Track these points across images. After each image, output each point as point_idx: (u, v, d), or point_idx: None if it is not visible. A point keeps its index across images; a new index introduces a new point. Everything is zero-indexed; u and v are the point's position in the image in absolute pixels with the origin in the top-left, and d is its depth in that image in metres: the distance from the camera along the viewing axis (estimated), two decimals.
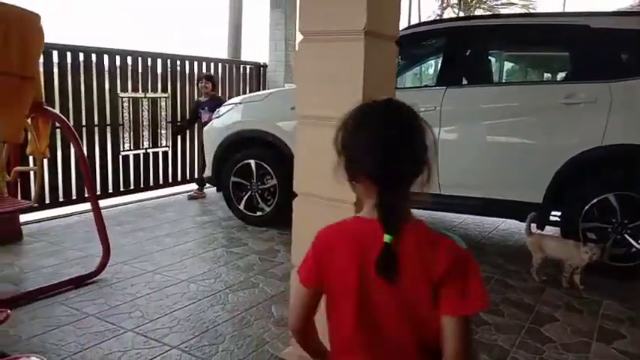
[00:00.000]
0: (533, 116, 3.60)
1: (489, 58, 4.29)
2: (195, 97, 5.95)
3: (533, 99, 3.66)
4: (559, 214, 3.65)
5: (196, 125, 5.76)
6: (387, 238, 0.99)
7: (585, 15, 3.58)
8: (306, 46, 2.11)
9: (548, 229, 3.70)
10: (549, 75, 5.34)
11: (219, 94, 5.85)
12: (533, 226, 3.48)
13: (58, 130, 4.34)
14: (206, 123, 5.08)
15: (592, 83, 3.41)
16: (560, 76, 4.48)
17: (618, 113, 3.30)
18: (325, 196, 2.09)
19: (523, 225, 3.59)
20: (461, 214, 4.91)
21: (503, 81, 5.21)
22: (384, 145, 1.02)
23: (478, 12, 19.65)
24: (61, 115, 3.54)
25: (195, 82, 5.79)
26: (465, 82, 3.98)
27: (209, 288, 3.07)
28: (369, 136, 1.05)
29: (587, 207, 3.42)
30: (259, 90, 6.84)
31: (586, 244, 3.17)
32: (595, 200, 3.40)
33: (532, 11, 17.00)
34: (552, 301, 3.07)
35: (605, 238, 3.42)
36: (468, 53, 4.07)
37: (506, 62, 5.56)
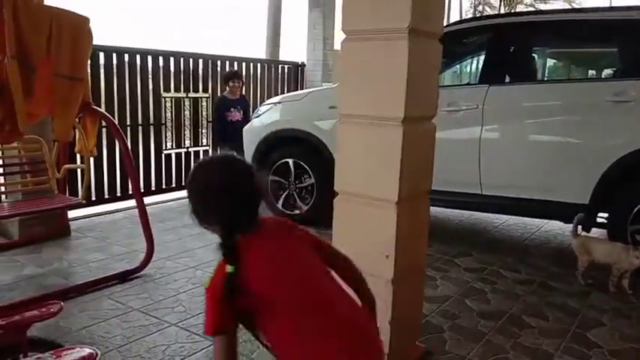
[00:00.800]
0: (579, 115, 3.49)
1: (533, 55, 4.18)
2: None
3: (579, 97, 3.54)
4: (606, 215, 3.53)
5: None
6: (229, 268, 1.21)
7: (637, 9, 3.45)
8: (349, 45, 2.11)
9: (594, 232, 3.58)
10: (594, 72, 5.14)
11: (258, 94, 5.87)
12: (579, 228, 3.37)
13: (104, 130, 4.47)
14: (237, 122, 5.12)
15: None
16: (607, 73, 4.31)
17: None
18: (366, 194, 2.09)
19: (567, 227, 3.49)
20: (502, 215, 4.81)
21: (548, 79, 5.06)
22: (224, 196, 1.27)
23: (520, 8, 19.18)
24: (107, 114, 3.65)
25: (223, 80, 5.78)
26: (507, 79, 3.90)
27: None
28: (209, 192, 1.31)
29: (636, 209, 3.29)
30: (297, 89, 6.88)
31: (636, 247, 3.05)
32: None
33: (576, 7, 16.44)
34: (599, 306, 2.97)
35: None
36: (511, 50, 3.98)
37: (550, 59, 5.39)
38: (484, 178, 3.75)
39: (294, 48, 10.32)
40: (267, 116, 4.64)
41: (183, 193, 5.73)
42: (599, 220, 3.55)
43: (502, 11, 17.72)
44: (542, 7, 19.20)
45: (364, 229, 2.12)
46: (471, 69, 5.27)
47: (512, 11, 16.43)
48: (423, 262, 2.34)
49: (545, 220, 4.55)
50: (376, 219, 2.08)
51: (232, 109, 5.32)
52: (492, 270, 3.50)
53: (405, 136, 1.96)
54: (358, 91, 2.08)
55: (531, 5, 19.52)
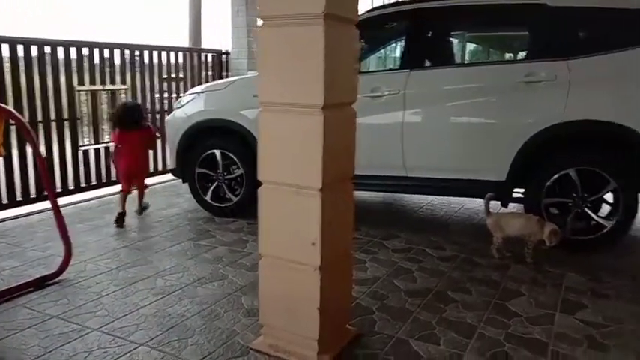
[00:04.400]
0: (495, 96, 3.64)
1: (451, 39, 4.32)
2: (157, 87, 5.82)
3: (495, 79, 3.69)
4: (522, 191, 3.73)
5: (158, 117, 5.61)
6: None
7: None
8: (266, 31, 2.07)
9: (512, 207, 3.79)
10: (511, 55, 5.40)
11: (181, 84, 5.67)
12: (493, 205, 3.53)
13: (13, 128, 4.15)
14: None
15: (551, 61, 3.47)
16: (522, 55, 4.54)
17: (577, 90, 3.37)
18: (290, 183, 2.08)
19: None
20: (428, 196, 4.97)
21: (466, 62, 5.25)
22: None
23: None
24: (14, 111, 3.38)
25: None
26: (428, 64, 4.00)
27: (177, 282, 3.02)
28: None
29: (548, 183, 3.51)
30: (222, 78, 6.72)
31: (548, 222, 3.27)
32: (556, 176, 3.49)
33: None
34: (518, 277, 3.14)
35: (567, 213, 3.53)
36: (429, 35, 4.08)
37: (468, 43, 5.59)
38: (408, 161, 3.84)
39: (221, 36, 10.04)
40: (191, 106, 4.50)
41: (105, 190, 5.51)
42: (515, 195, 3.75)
43: None
44: None
45: (289, 217, 2.11)
46: (393, 54, 5.37)
47: None
48: (350, 247, 2.37)
49: (468, 199, 4.76)
50: (301, 207, 2.07)
51: None
52: (419, 249, 3.61)
53: (326, 123, 1.95)
54: (277, 78, 2.05)
55: None
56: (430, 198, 5.01)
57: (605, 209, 3.63)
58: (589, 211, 3.51)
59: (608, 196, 3.53)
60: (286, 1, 1.98)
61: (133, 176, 4.30)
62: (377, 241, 3.77)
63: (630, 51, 3.32)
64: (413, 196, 5.06)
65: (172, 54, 6.16)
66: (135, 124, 4.21)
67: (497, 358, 2.25)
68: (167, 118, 4.82)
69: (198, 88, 4.76)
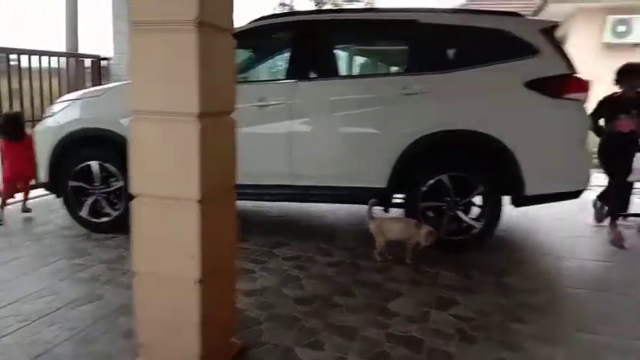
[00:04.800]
0: (376, 107, 3.80)
1: (335, 52, 4.45)
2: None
3: (376, 91, 3.87)
4: (402, 196, 3.94)
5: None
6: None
7: (414, 11, 3.89)
8: (137, 37, 1.98)
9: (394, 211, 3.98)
10: (391, 68, 5.72)
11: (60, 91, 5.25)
12: (376, 210, 3.69)
13: None
14: None
15: (424, 75, 3.72)
16: (400, 69, 4.82)
17: (448, 102, 3.65)
18: (167, 195, 2.00)
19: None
20: (317, 204, 5.07)
21: (349, 74, 5.46)
22: None
23: (329, 7, 20.30)
24: None
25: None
26: (313, 75, 4.08)
27: (46, 306, 2.76)
28: None
29: (424, 188, 3.75)
30: (101, 85, 6.32)
31: (424, 224, 3.48)
32: (431, 182, 3.73)
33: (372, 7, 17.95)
34: (398, 278, 3.31)
35: (442, 216, 3.79)
36: (315, 47, 4.17)
37: (352, 56, 5.83)
38: (296, 169, 3.89)
39: (103, 41, 9.49)
40: (64, 115, 4.17)
41: None
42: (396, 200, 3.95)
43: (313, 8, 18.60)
44: (347, 6, 20.54)
45: (166, 230, 2.02)
46: (281, 65, 5.43)
47: (319, 8, 17.33)
48: (233, 258, 2.33)
49: (355, 205, 4.92)
50: (179, 219, 2.00)
51: None
52: (308, 256, 3.66)
53: (202, 132, 1.91)
54: (150, 85, 1.97)
55: (337, 5, 20.71)
56: (319, 205, 5.11)
57: (475, 211, 3.94)
58: (461, 214, 3.80)
59: (478, 200, 3.84)
60: (158, 7, 1.91)
61: (19, 182, 4.62)
62: (266, 250, 3.76)
63: (493, 66, 3.66)
64: (305, 204, 5.13)
65: (47, 58, 5.67)
66: (18, 134, 4.51)
67: (378, 359, 2.34)
68: (36, 128, 4.43)
69: (72, 95, 4.43)
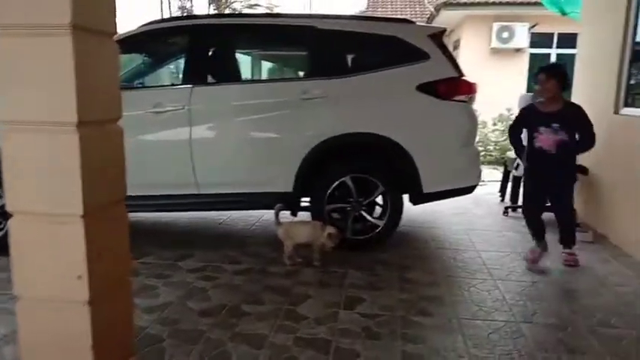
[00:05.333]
0: (278, 112, 3.81)
1: (233, 56, 4.40)
2: None
3: (277, 95, 3.88)
4: (308, 199, 3.97)
5: None
6: None
7: (312, 17, 3.95)
8: (7, 41, 1.81)
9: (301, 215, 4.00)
10: (292, 73, 5.76)
11: None
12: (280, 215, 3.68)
13: None
14: None
15: (322, 80, 3.78)
16: (300, 74, 4.87)
17: (346, 106, 3.74)
18: (47, 211, 1.84)
19: (282, 214, 3.80)
20: (225, 212, 4.97)
21: (249, 79, 5.42)
22: None
23: (228, 11, 20.06)
24: None
25: None
26: (211, 80, 4.00)
27: None
28: None
29: (329, 191, 3.81)
30: None
31: (328, 225, 3.53)
32: (335, 184, 3.80)
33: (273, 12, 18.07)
34: (307, 281, 3.32)
35: (347, 216, 3.87)
36: (211, 51, 4.10)
37: (252, 61, 5.80)
38: (200, 177, 3.79)
39: None
40: None
41: None
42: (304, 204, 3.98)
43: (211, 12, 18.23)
44: (248, 11, 20.47)
45: (49, 250, 1.87)
46: (177, 69, 5.27)
47: (215, 13, 17.08)
48: (128, 274, 2.20)
49: (264, 210, 4.89)
50: (62, 237, 1.85)
51: None
52: (214, 266, 3.57)
53: (83, 142, 1.78)
54: (22, 94, 1.80)
55: (236, 10, 20.56)
56: (229, 212, 5.02)
57: (378, 211, 4.07)
58: (365, 214, 3.91)
59: (380, 199, 3.97)
60: (29, 10, 1.76)
61: None
62: (170, 264, 3.62)
63: (387, 70, 3.80)
64: (213, 212, 5.01)
65: None
66: None
67: None
68: None
69: None
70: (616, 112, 4.39)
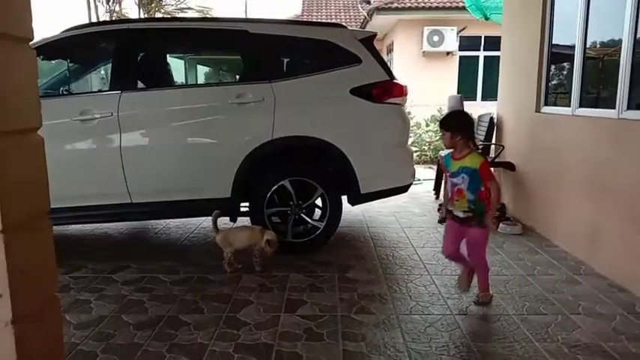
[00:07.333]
0: (212, 117, 3.76)
1: (164, 61, 4.30)
2: None
3: (210, 100, 3.82)
4: (247, 204, 3.94)
5: None
6: None
7: (244, 21, 3.93)
8: None
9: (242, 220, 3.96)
10: (225, 77, 5.69)
11: None
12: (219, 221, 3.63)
13: None
14: None
15: (257, 84, 3.76)
16: (235, 78, 4.82)
17: (281, 110, 3.74)
18: None
19: (222, 220, 3.74)
20: (161, 220, 4.85)
21: (181, 84, 5.30)
22: None
23: (159, 15, 19.56)
24: None
25: None
26: (140, 85, 3.89)
27: None
28: None
29: (268, 195, 3.79)
30: None
31: (268, 230, 3.52)
32: (274, 188, 3.79)
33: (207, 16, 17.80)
34: (248, 286, 3.30)
35: (287, 220, 3.88)
36: (139, 56, 3.97)
37: (184, 65, 5.68)
38: (131, 186, 3.67)
39: None
40: None
41: None
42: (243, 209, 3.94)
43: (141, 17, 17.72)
44: (180, 15, 20.03)
45: None
46: (104, 75, 5.09)
47: (147, 17, 16.64)
48: (55, 290, 2.09)
49: (203, 218, 4.80)
50: None
51: None
52: (151, 277, 3.47)
53: None
54: None
55: (167, 13, 20.08)
56: (165, 221, 4.89)
57: (318, 213, 4.11)
58: (305, 216, 3.93)
59: (320, 202, 4.00)
60: None
61: None
62: (105, 277, 3.48)
63: (321, 74, 3.84)
64: (148, 222, 4.86)
65: None
66: None
67: None
68: None
69: None
70: (537, 110, 4.67)
